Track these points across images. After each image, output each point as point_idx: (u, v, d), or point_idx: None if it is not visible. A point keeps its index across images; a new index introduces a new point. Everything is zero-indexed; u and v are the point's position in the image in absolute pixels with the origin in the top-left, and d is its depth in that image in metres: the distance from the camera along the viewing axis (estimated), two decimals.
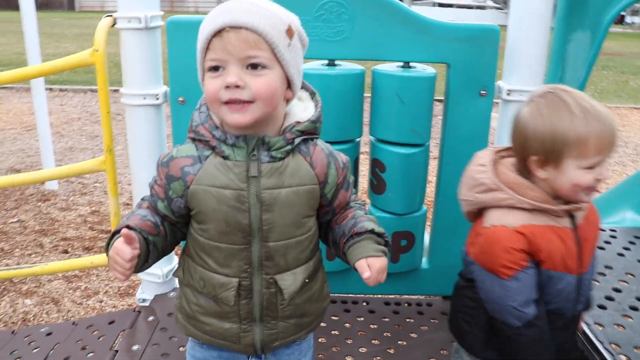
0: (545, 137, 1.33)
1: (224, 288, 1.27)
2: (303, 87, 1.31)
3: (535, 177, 1.40)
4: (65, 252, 3.60)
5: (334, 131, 2.08)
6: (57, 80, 9.52)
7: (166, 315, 2.25)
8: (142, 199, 1.33)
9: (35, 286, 3.18)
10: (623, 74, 11.59)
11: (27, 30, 4.15)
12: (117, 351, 2.04)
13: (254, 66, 1.14)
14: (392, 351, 2.07)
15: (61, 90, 9.08)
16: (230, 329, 1.31)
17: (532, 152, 1.37)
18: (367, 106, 2.20)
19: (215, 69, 1.16)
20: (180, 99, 2.11)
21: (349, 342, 2.12)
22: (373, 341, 2.13)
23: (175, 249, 1.43)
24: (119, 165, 4.74)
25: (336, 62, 2.15)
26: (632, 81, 10.82)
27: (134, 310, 2.32)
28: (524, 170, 1.42)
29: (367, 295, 2.43)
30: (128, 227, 1.21)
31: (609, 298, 2.22)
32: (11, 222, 4.01)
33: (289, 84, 1.22)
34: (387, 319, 2.27)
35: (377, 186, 2.26)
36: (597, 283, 2.30)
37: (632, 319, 2.09)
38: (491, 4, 24.06)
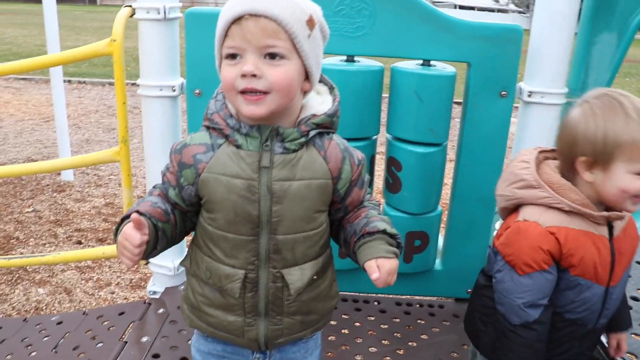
0: (597, 138, 1.28)
1: (229, 279, 1.25)
2: (322, 80, 1.29)
3: (580, 180, 1.36)
4: (79, 242, 3.62)
5: (351, 128, 2.06)
6: (76, 73, 9.62)
7: (176, 308, 2.24)
8: (154, 187, 1.32)
9: (49, 276, 3.20)
10: None
11: (48, 22, 4.19)
12: (126, 342, 2.03)
13: (272, 56, 1.12)
14: (401, 352, 2.05)
15: (79, 82, 9.17)
16: (234, 322, 1.29)
17: (581, 152, 1.32)
18: (384, 106, 2.17)
19: (232, 56, 1.13)
20: (197, 91, 2.10)
21: (358, 341, 2.10)
22: (383, 341, 2.10)
23: (186, 241, 1.42)
24: (134, 158, 4.77)
25: (355, 58, 2.13)
26: None
27: (145, 302, 2.32)
28: (568, 173, 1.38)
29: (379, 295, 2.41)
30: (138, 212, 1.20)
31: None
32: (27, 212, 4.04)
33: (307, 76, 1.20)
34: (398, 320, 2.24)
35: (392, 185, 2.23)
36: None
37: None
38: (513, 7, 23.88)
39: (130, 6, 2.09)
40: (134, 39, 2.19)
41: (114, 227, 3.70)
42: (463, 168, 2.20)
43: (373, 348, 2.06)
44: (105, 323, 2.20)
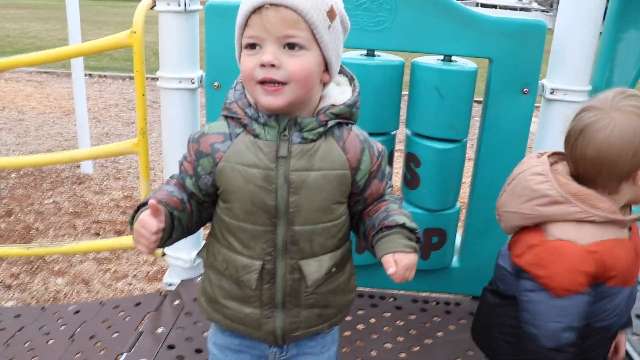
0: None
1: (246, 270, 1.24)
2: (342, 71, 1.28)
3: (626, 188, 1.30)
4: (97, 234, 3.65)
5: (370, 122, 2.04)
6: (97, 67, 9.71)
7: (192, 300, 2.25)
8: (171, 177, 1.32)
9: (67, 266, 3.23)
10: None
11: (70, 16, 4.23)
12: (142, 332, 2.05)
13: (292, 46, 1.11)
14: (417, 349, 2.03)
15: (100, 76, 9.25)
16: (251, 314, 1.28)
17: None
18: (403, 104, 2.14)
19: (252, 46, 1.13)
20: (216, 84, 2.10)
21: (374, 337, 2.09)
22: (398, 338, 2.09)
23: (202, 234, 1.41)
24: (153, 152, 4.80)
25: (375, 52, 2.11)
26: None
27: (161, 294, 2.33)
28: (591, 182, 1.31)
29: (395, 291, 2.39)
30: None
31: None
32: (46, 203, 4.09)
33: (327, 68, 1.18)
34: (414, 316, 2.23)
35: (410, 181, 2.21)
36: None
37: None
38: (536, 5, 23.62)
39: None
40: (155, 33, 2.20)
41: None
42: (482, 166, 2.17)
43: (388, 344, 2.05)
44: (122, 313, 2.22)
